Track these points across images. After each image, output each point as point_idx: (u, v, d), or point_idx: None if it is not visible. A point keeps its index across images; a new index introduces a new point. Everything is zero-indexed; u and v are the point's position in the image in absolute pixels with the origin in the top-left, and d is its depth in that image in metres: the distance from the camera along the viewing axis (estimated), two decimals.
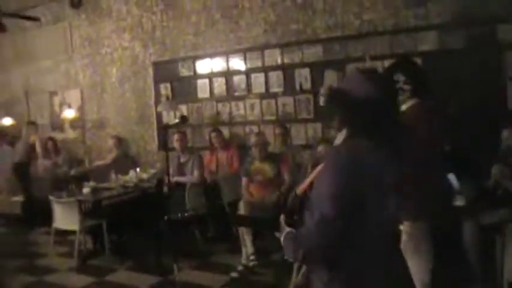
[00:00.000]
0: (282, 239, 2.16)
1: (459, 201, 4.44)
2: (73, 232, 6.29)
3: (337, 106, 2.16)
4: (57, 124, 10.34)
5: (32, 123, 9.63)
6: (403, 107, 3.62)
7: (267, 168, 6.05)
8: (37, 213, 7.89)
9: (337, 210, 1.91)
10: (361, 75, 2.18)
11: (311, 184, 2.22)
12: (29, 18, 9.44)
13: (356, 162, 1.95)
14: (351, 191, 1.93)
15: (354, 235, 1.97)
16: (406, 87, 3.62)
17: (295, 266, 5.04)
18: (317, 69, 6.84)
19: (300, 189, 2.35)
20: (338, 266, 2.03)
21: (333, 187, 1.93)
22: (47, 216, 6.67)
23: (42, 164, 8.97)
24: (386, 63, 6.10)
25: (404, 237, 3.60)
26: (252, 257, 5.56)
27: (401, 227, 3.73)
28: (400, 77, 3.64)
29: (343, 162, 1.97)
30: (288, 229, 2.16)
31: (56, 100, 10.38)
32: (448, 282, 4.21)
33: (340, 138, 2.14)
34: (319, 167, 2.20)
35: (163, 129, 4.20)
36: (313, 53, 6.88)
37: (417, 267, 3.49)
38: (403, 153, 2.08)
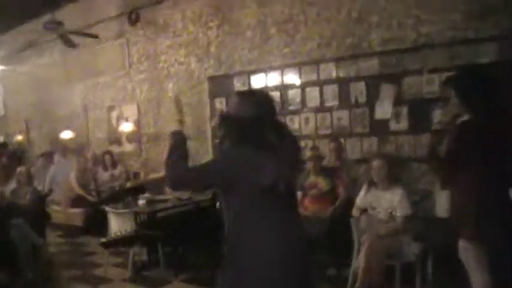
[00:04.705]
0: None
1: None
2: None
3: (221, 127, 2.92)
4: (115, 138, 10.60)
5: None
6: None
7: (322, 182, 6.02)
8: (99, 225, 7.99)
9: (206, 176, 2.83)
10: (235, 98, 2.95)
11: None
12: (89, 35, 9.76)
13: (230, 159, 2.79)
14: (218, 173, 2.79)
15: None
16: (455, 101, 3.57)
17: (350, 276, 4.99)
18: (373, 82, 6.72)
19: None
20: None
21: (212, 165, 2.94)
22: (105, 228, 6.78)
23: (100, 177, 9.19)
24: (445, 76, 6.00)
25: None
26: None
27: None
28: (452, 92, 3.61)
29: (223, 157, 2.93)
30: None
31: (114, 115, 10.64)
32: None
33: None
34: None
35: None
36: (369, 66, 6.76)
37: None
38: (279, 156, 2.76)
